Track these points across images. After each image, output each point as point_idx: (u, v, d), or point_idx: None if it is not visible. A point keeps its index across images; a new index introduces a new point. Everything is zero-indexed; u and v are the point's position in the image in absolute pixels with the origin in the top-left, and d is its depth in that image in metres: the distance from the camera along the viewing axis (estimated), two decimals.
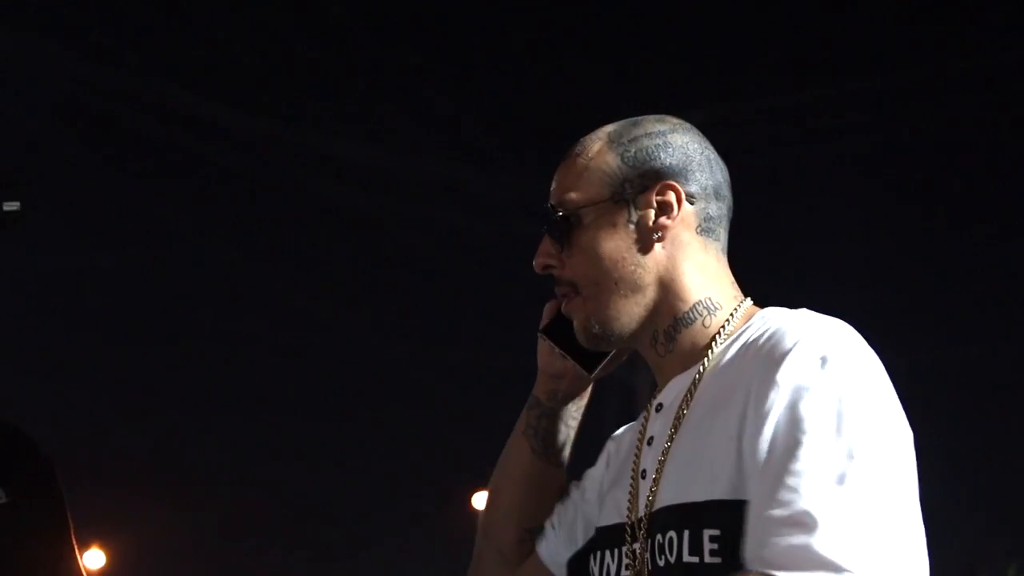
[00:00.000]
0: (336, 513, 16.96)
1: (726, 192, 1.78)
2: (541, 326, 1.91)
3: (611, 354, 1.84)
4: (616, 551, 1.72)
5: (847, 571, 1.39)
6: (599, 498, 1.86)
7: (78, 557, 1.94)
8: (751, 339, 1.65)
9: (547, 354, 1.91)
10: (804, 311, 1.68)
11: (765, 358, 1.58)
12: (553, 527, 1.92)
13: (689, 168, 1.74)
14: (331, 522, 17.14)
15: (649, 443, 1.73)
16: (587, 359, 1.86)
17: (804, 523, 1.42)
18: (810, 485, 1.45)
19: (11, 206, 1.95)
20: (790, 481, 1.46)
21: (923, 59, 12.86)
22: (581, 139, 1.79)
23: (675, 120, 1.79)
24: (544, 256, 1.77)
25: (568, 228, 1.74)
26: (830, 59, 13.96)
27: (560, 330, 1.84)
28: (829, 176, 13.61)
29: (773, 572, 1.42)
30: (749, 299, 1.76)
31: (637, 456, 1.75)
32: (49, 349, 14.82)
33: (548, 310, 1.89)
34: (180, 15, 13.56)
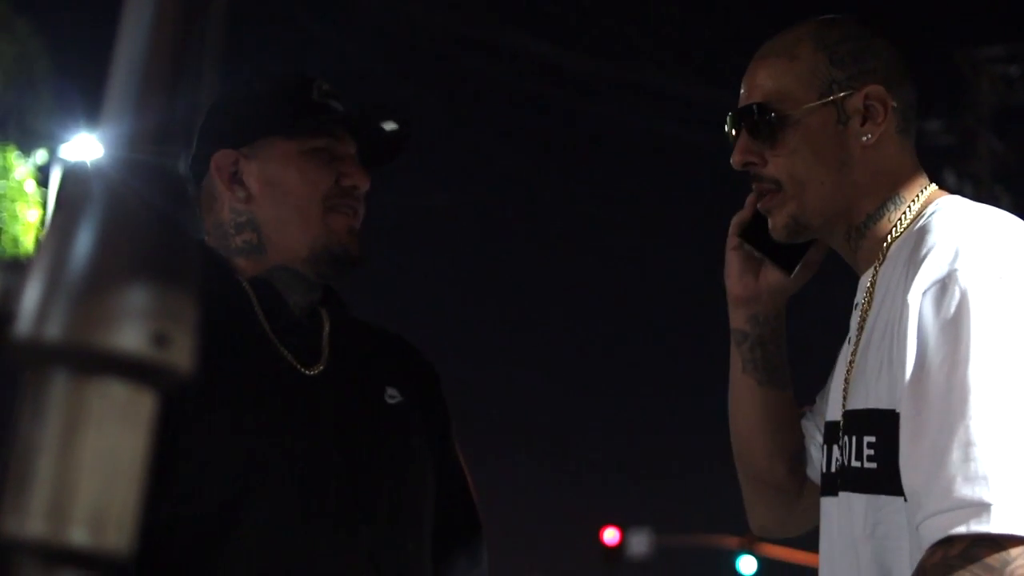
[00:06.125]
0: None
1: (914, 88, 1.79)
2: (732, 241, 1.92)
3: (807, 252, 1.88)
4: (833, 447, 1.76)
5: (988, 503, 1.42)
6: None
7: (460, 456, 2.05)
8: (909, 236, 1.68)
9: (737, 276, 1.93)
10: (967, 206, 1.68)
11: (906, 266, 1.61)
12: (816, 446, 1.94)
13: (892, 71, 1.75)
14: None
15: (848, 342, 1.78)
16: (785, 259, 1.89)
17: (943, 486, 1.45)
18: (932, 452, 1.47)
19: (390, 126, 1.95)
20: (921, 443, 1.49)
21: None
22: (777, 38, 1.79)
23: (871, 22, 1.79)
24: (744, 153, 1.77)
25: (773, 127, 1.74)
26: None
27: (753, 236, 1.89)
28: None
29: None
30: (933, 186, 1.77)
31: (844, 353, 1.80)
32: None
33: (734, 227, 1.93)
34: None
